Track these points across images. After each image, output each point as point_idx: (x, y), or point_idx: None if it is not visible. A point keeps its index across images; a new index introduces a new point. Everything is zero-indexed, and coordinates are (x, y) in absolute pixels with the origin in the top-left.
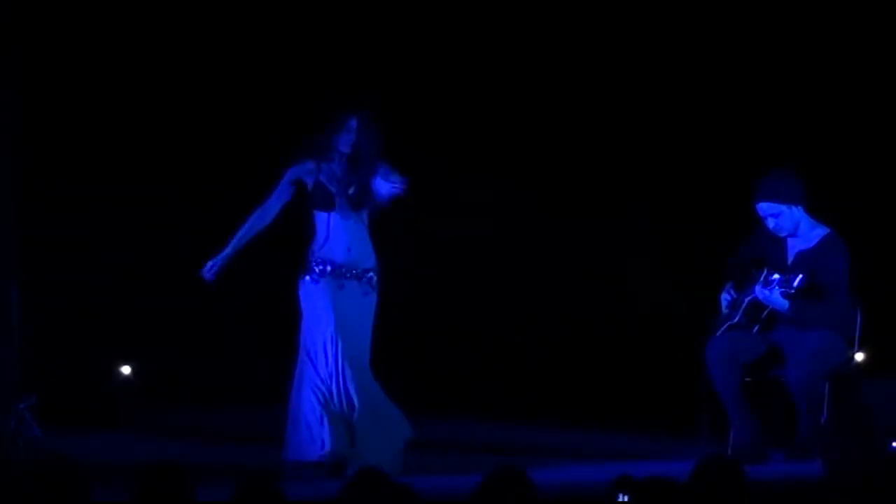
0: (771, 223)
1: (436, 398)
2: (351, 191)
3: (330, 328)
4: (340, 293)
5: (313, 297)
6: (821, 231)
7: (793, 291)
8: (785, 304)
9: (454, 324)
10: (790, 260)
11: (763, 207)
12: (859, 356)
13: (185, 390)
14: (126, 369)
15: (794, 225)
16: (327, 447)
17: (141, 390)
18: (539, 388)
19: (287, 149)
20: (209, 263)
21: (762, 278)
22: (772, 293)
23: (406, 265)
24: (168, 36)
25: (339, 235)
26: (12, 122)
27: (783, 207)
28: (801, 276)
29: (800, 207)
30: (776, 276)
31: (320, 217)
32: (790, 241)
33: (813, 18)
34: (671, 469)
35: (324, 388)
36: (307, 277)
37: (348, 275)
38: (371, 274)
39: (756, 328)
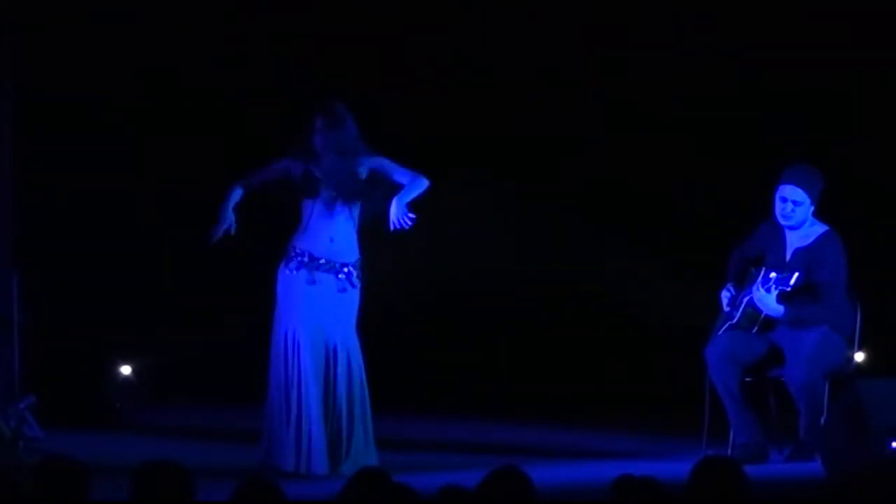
0: (788, 208)
1: (436, 398)
2: (335, 182)
3: (293, 324)
4: (311, 288)
5: (285, 287)
6: (819, 229)
7: (789, 289)
8: (779, 310)
9: (454, 323)
10: (788, 257)
11: (789, 190)
12: (859, 356)
13: (185, 390)
14: (126, 369)
15: (804, 219)
16: (264, 457)
17: (141, 390)
18: (539, 388)
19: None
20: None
21: (760, 277)
22: (769, 294)
23: (406, 264)
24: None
25: (321, 225)
26: (10, 115)
27: (807, 198)
28: (798, 273)
29: (813, 206)
30: (774, 274)
31: (306, 205)
32: (789, 237)
33: (810, 18)
34: (671, 469)
35: (281, 394)
36: (283, 265)
37: (324, 267)
38: (349, 269)
39: (756, 328)
